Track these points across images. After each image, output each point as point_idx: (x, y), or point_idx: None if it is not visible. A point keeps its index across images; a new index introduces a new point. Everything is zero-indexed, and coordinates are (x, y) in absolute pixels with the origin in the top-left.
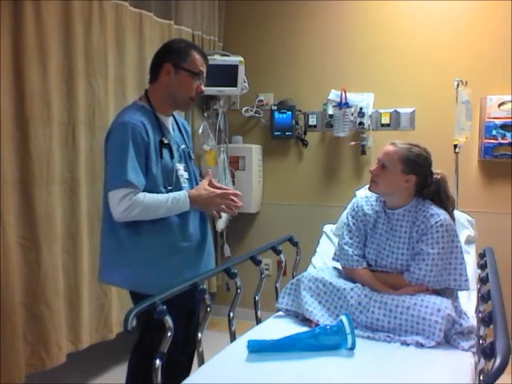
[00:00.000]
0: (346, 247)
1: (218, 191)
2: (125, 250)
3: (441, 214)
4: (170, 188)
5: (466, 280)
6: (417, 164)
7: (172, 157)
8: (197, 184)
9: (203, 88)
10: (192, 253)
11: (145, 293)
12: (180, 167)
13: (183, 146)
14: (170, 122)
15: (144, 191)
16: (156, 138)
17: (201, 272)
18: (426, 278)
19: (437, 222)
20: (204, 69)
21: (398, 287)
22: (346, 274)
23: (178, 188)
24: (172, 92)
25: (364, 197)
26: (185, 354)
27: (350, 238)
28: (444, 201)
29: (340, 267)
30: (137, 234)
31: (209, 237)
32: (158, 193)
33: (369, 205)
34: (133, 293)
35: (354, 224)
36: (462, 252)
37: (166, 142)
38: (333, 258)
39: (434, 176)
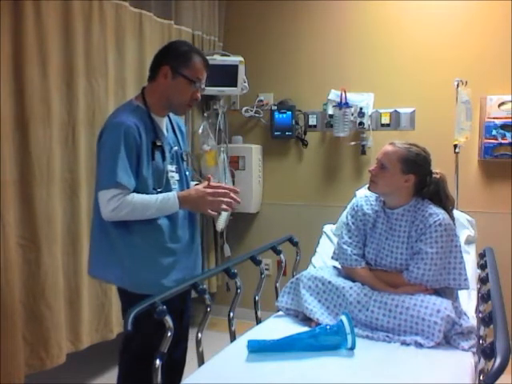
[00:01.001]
0: (344, 246)
1: (209, 190)
2: (116, 248)
3: (440, 214)
4: (159, 190)
5: (466, 279)
6: (416, 164)
7: (164, 159)
8: (187, 186)
9: (199, 95)
10: (180, 254)
11: (133, 291)
12: (171, 169)
13: (176, 147)
14: (164, 123)
15: (134, 192)
16: (149, 140)
17: (189, 272)
18: (424, 278)
19: (435, 222)
20: (203, 76)
21: (397, 286)
22: (345, 273)
23: (168, 190)
24: (167, 95)
25: (364, 196)
26: (180, 353)
27: (349, 238)
28: (443, 200)
29: (339, 266)
30: (128, 233)
31: (197, 238)
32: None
33: (368, 204)
34: (121, 290)
35: (353, 223)
36: (461, 251)
37: (158, 144)
38: (332, 257)
39: (434, 176)
